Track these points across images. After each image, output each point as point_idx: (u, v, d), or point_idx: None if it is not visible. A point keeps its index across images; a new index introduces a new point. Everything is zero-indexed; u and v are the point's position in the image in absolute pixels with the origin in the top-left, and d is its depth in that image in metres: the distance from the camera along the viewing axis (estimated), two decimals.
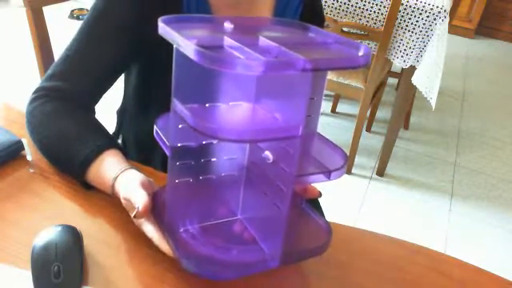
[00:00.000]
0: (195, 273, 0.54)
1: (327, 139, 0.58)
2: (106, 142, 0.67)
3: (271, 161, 0.54)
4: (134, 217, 0.57)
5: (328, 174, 0.52)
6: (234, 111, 0.57)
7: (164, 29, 0.49)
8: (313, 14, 0.87)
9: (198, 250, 0.56)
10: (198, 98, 0.54)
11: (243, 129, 0.50)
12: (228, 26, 0.54)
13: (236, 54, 0.46)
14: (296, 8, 0.83)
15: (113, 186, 0.63)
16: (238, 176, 0.62)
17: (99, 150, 0.66)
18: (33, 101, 0.73)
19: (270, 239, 0.56)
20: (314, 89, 0.56)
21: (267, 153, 0.54)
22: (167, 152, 0.54)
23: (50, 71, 0.75)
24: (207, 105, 0.56)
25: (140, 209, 0.56)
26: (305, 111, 0.48)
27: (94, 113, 0.77)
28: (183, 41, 0.44)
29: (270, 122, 0.54)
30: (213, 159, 0.60)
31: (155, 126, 0.56)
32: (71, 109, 0.72)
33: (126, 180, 0.62)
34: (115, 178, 0.63)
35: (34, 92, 0.74)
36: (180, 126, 0.51)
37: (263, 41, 0.49)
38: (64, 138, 0.68)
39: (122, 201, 0.60)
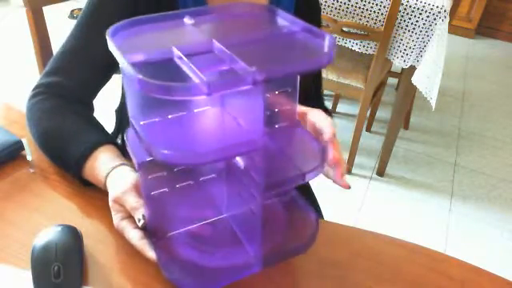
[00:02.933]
0: (178, 285, 0.52)
1: (308, 132, 0.56)
2: (100, 137, 0.67)
3: (242, 168, 0.52)
4: (140, 227, 0.56)
5: (302, 176, 0.49)
6: (197, 123, 0.54)
7: (110, 45, 0.46)
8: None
9: (180, 258, 0.54)
10: (159, 110, 0.51)
11: (201, 151, 0.46)
12: (188, 22, 0.51)
13: (184, 69, 0.43)
14: None
15: (105, 184, 0.62)
16: (218, 177, 0.60)
17: (93, 146, 0.66)
18: (32, 98, 0.73)
19: (251, 242, 0.55)
20: (285, 81, 0.52)
21: (238, 159, 0.52)
22: (136, 167, 0.52)
23: (47, 67, 0.75)
24: (170, 116, 0.53)
25: (146, 217, 0.55)
26: (262, 122, 0.45)
27: (92, 109, 0.77)
28: (125, 64, 0.41)
29: (234, 133, 0.51)
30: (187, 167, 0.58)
31: (125, 137, 0.54)
32: (69, 106, 0.72)
33: (116, 179, 0.61)
34: (107, 176, 0.62)
35: (33, 89, 0.74)
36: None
37: (217, 46, 0.46)
38: (61, 135, 0.68)
39: (110, 202, 0.59)
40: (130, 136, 0.54)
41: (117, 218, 0.58)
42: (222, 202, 0.61)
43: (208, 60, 0.44)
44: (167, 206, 0.58)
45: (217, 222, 0.60)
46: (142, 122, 0.50)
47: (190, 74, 0.42)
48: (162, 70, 0.41)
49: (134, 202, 0.56)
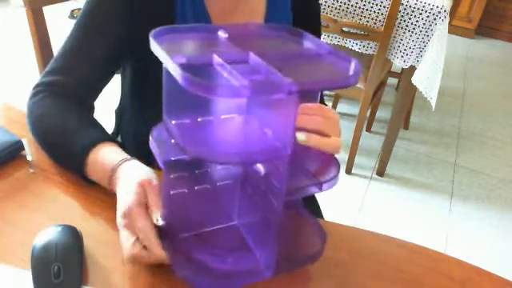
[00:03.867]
0: (189, 282, 0.53)
1: None
2: (101, 136, 0.68)
3: (263, 174, 0.54)
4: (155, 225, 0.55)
5: (319, 185, 0.52)
6: (225, 128, 0.57)
7: (154, 46, 0.48)
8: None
9: (193, 259, 0.55)
10: (189, 112, 0.54)
11: (232, 151, 0.49)
12: (222, 35, 0.54)
13: (224, 74, 0.46)
14: None
15: (112, 176, 0.62)
16: (233, 184, 0.61)
17: (96, 142, 0.66)
18: (32, 96, 0.74)
19: (264, 248, 0.56)
20: (307, 97, 0.55)
21: (259, 166, 0.54)
22: (161, 166, 0.53)
23: (48, 67, 0.76)
24: (199, 119, 0.55)
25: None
26: (293, 130, 0.48)
27: (92, 109, 0.77)
28: (171, 64, 0.44)
29: (260, 139, 0.54)
30: (207, 169, 0.60)
31: (150, 137, 0.55)
32: (70, 104, 0.72)
33: (135, 171, 0.60)
34: (117, 167, 0.62)
35: (34, 88, 0.75)
36: (173, 141, 0.51)
37: (253, 58, 0.49)
38: (62, 133, 0.68)
39: (135, 184, 0.56)
40: (155, 135, 0.55)
41: (134, 200, 0.55)
42: (234, 207, 0.62)
43: (244, 69, 0.46)
44: (182, 208, 0.59)
45: (228, 227, 0.61)
46: (173, 122, 0.53)
47: (231, 79, 0.45)
48: (201, 73, 0.44)
49: (157, 199, 0.55)
